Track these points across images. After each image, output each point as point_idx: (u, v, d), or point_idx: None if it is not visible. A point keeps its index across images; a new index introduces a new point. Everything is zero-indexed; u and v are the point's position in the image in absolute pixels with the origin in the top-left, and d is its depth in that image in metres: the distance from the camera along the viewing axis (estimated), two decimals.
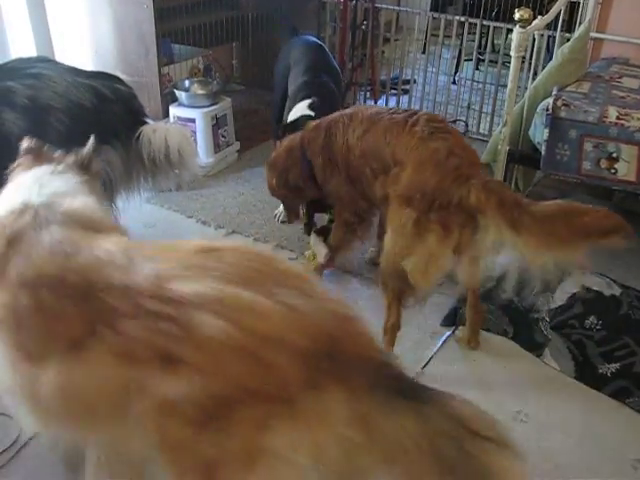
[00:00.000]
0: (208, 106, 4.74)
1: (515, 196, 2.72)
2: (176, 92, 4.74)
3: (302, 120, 3.72)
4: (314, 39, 4.72)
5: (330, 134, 3.30)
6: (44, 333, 1.75)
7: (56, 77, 3.21)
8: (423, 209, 2.74)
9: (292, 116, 3.91)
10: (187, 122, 4.68)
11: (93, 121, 3.16)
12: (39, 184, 2.10)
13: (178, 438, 1.65)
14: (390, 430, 1.59)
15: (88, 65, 4.65)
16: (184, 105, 4.74)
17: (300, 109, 3.91)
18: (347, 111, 3.35)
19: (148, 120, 3.49)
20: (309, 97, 3.96)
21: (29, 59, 3.42)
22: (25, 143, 2.34)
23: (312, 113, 3.79)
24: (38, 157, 2.30)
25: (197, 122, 4.68)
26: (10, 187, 2.15)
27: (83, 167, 2.32)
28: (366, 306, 3.45)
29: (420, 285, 2.86)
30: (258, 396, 1.57)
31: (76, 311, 1.71)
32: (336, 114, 3.37)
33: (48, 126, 3.12)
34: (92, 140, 2.40)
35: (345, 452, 1.60)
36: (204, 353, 1.58)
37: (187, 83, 4.93)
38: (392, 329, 3.00)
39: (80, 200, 2.08)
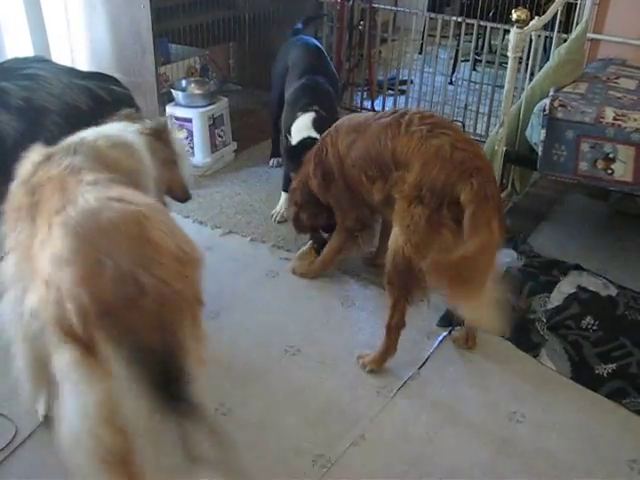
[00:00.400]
0: (205, 106, 4.74)
1: (492, 211, 2.73)
2: (173, 92, 4.74)
3: (307, 143, 3.71)
4: (313, 41, 4.72)
5: (320, 152, 3.36)
6: (24, 225, 2.14)
7: (52, 78, 3.20)
8: (435, 206, 2.76)
9: (296, 136, 3.88)
10: (184, 122, 4.68)
11: (88, 123, 3.16)
12: (100, 128, 2.58)
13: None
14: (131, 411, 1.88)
15: (84, 64, 4.64)
16: (181, 105, 4.74)
17: (304, 127, 3.87)
18: (332, 127, 3.37)
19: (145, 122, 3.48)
20: (310, 106, 3.95)
21: (25, 59, 3.41)
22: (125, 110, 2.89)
23: (316, 135, 3.75)
24: (126, 118, 2.80)
25: (194, 122, 4.68)
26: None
27: (156, 133, 2.77)
28: (363, 306, 3.45)
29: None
30: (55, 323, 1.86)
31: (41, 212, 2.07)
32: (323, 134, 3.41)
33: (43, 128, 3.12)
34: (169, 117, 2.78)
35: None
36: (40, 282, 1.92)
37: (184, 83, 4.92)
38: (396, 328, 3.00)
39: (111, 141, 2.46)
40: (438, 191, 2.75)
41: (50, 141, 3.00)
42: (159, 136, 2.78)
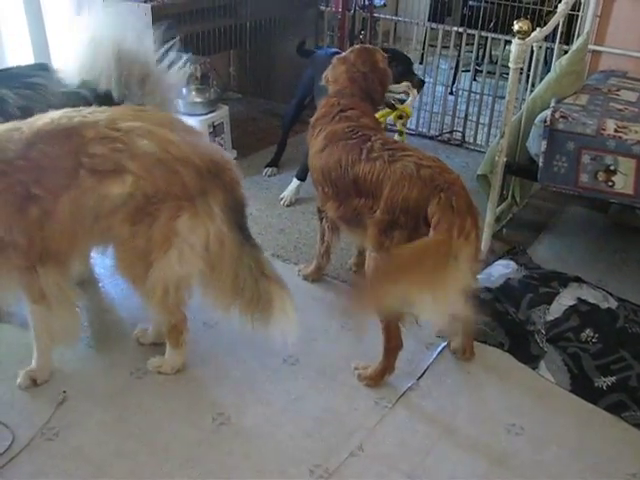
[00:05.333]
0: (205, 114, 4.74)
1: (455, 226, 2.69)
2: None
3: None
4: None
5: (313, 132, 3.35)
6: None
7: (53, 87, 3.18)
8: (412, 226, 2.74)
9: None
10: None
11: None
12: None
13: (121, 234, 2.63)
14: (227, 246, 2.68)
15: None
16: (181, 113, 4.72)
17: None
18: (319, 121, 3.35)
19: None
20: None
21: (31, 66, 3.39)
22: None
23: None
24: None
25: None
26: None
27: None
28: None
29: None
30: (171, 195, 2.56)
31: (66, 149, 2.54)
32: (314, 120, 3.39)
33: None
34: None
35: (218, 241, 2.66)
36: (140, 163, 2.53)
37: (184, 91, 4.91)
38: (395, 351, 2.99)
39: None
40: (412, 210, 2.73)
41: None
42: None
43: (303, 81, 4.73)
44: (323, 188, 3.18)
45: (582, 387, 3.07)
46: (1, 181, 2.47)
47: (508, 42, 4.43)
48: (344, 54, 3.52)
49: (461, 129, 5.78)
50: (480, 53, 6.28)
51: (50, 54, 4.54)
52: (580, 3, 4.79)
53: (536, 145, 3.74)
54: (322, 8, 5.95)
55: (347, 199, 3.02)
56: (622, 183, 3.52)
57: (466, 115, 5.76)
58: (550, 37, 4.67)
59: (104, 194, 2.55)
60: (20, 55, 4.37)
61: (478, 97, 5.69)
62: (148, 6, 4.34)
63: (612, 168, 3.51)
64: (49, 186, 2.52)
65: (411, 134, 5.85)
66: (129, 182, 2.53)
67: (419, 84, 4.23)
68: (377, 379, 3.02)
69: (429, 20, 6.54)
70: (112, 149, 2.53)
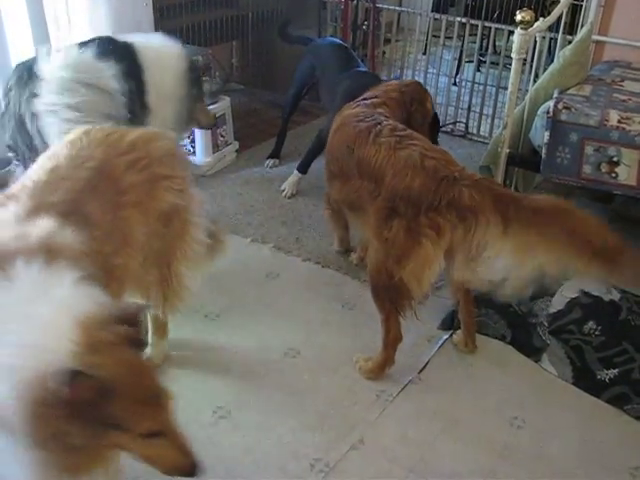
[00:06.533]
0: (207, 105, 4.71)
1: (509, 192, 2.77)
2: None
3: None
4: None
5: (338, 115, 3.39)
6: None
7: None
8: (412, 215, 2.72)
9: None
10: None
11: None
12: None
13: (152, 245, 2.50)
14: None
15: None
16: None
17: None
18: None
19: None
20: None
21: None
22: None
23: None
24: None
25: None
26: None
27: None
28: (364, 309, 3.41)
29: (418, 291, 2.84)
30: (181, 179, 2.58)
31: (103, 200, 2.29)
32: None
33: None
34: None
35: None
36: (164, 164, 2.50)
37: None
38: (394, 342, 2.98)
39: None
40: (414, 199, 2.72)
41: None
42: None
43: (301, 70, 4.72)
44: (331, 166, 3.21)
45: (584, 380, 3.06)
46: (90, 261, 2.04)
47: (512, 33, 4.39)
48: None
49: (464, 120, 5.75)
50: (484, 44, 6.26)
51: (51, 44, 4.52)
52: None
53: (539, 136, 3.73)
54: None
55: (351, 180, 3.04)
56: (625, 174, 3.50)
57: (469, 106, 5.73)
58: (554, 27, 4.63)
59: (154, 216, 2.45)
60: (21, 46, 4.35)
61: (481, 88, 5.67)
62: None
63: (615, 159, 3.49)
64: (121, 249, 2.29)
65: None
66: (170, 185, 2.50)
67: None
68: (378, 372, 3.01)
69: (432, 10, 6.49)
70: (141, 169, 2.38)
